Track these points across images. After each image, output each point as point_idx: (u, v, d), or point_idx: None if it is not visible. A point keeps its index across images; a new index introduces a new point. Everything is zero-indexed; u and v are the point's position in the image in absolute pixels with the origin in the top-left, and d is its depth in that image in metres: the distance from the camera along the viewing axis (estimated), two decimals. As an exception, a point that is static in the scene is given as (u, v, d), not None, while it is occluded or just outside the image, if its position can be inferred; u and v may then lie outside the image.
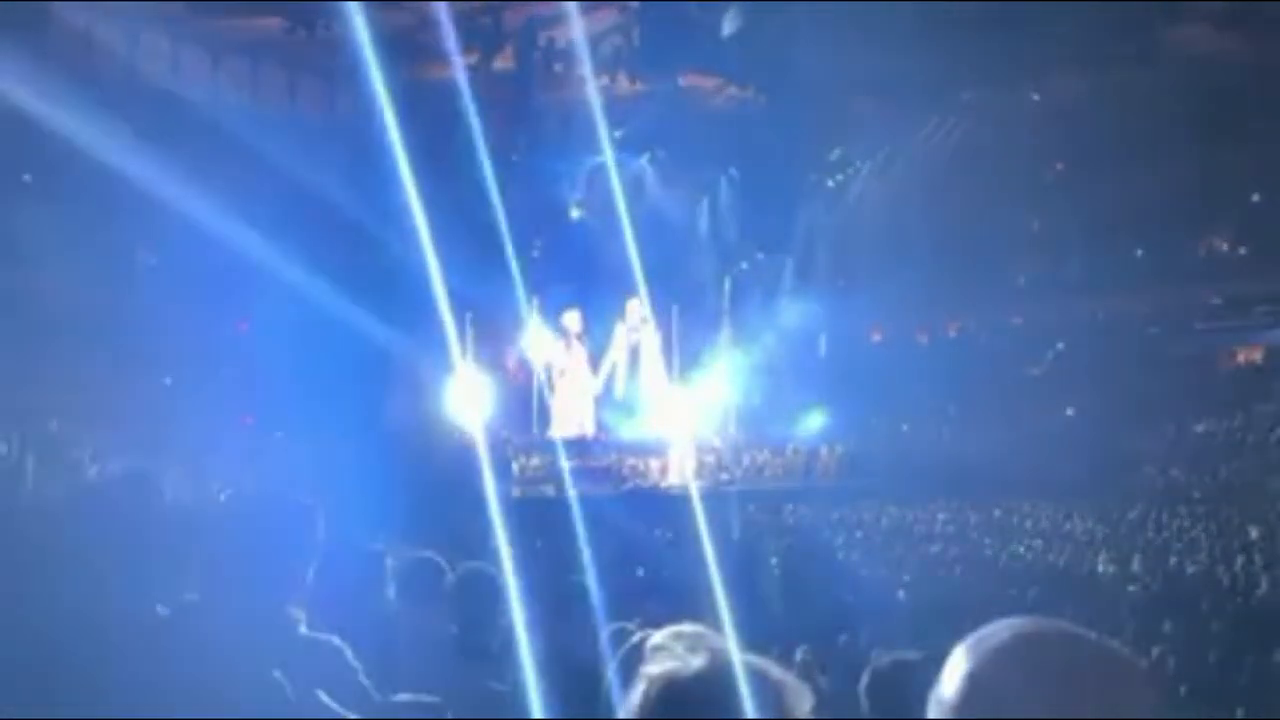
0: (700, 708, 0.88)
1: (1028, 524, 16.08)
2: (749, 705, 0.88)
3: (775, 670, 0.92)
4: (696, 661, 0.91)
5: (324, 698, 1.81)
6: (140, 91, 20.39)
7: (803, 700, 0.90)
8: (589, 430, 24.93)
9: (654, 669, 0.91)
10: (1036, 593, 9.56)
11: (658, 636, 0.97)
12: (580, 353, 26.30)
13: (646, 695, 0.90)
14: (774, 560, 12.88)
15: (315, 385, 22.10)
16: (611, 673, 1.60)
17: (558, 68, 19.93)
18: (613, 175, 25.04)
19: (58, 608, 1.88)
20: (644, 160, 24.73)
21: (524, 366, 25.83)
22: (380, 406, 22.76)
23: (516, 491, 19.61)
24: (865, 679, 2.32)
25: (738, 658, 0.92)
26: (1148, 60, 18.31)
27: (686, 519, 17.28)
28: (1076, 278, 27.44)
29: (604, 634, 2.78)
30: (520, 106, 21.18)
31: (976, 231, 27.81)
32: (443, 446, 22.33)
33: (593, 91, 21.90)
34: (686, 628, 0.98)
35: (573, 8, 19.99)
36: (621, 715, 0.92)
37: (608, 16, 20.45)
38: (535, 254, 25.17)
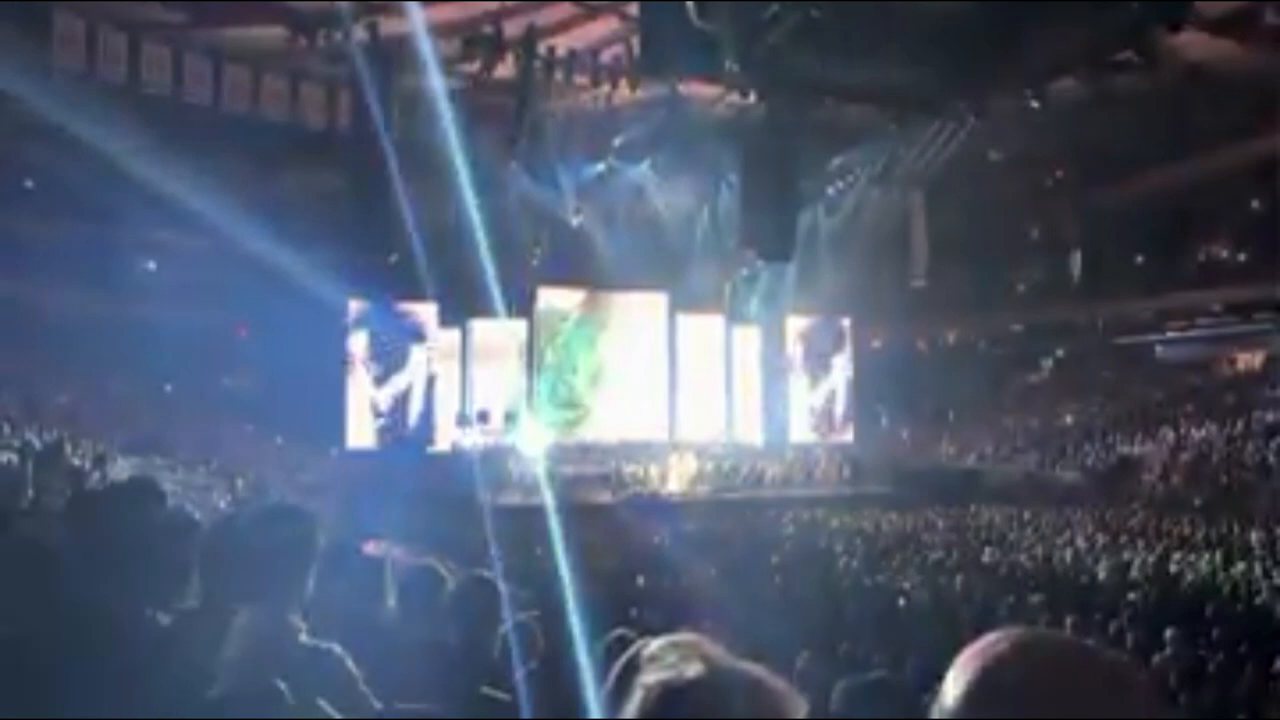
0: (696, 715, 0.88)
1: (1028, 531, 16.04)
2: (745, 712, 0.88)
3: (771, 679, 0.92)
4: (691, 670, 0.90)
5: (324, 706, 1.81)
6: (143, 100, 20.41)
7: (799, 709, 0.90)
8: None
9: (649, 678, 0.91)
10: (1037, 600, 9.53)
11: (653, 646, 0.97)
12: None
13: (643, 705, 0.90)
14: (774, 566, 12.85)
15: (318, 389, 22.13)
16: (610, 681, 1.60)
17: (558, 76, 19.95)
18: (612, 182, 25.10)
19: (58, 614, 1.88)
20: (645, 167, 24.78)
21: None
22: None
23: (516, 498, 19.60)
24: (835, 699, 2.32)
25: (733, 666, 0.92)
26: (1146, 66, 18.32)
27: (687, 526, 17.30)
28: (1076, 284, 27.44)
29: (603, 642, 2.78)
30: (520, 114, 21.21)
31: (976, 239, 27.85)
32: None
33: (593, 99, 21.94)
34: (682, 637, 0.98)
35: (573, 15, 20.05)
36: None
37: (608, 24, 20.49)
38: (535, 262, 25.22)
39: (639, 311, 27.18)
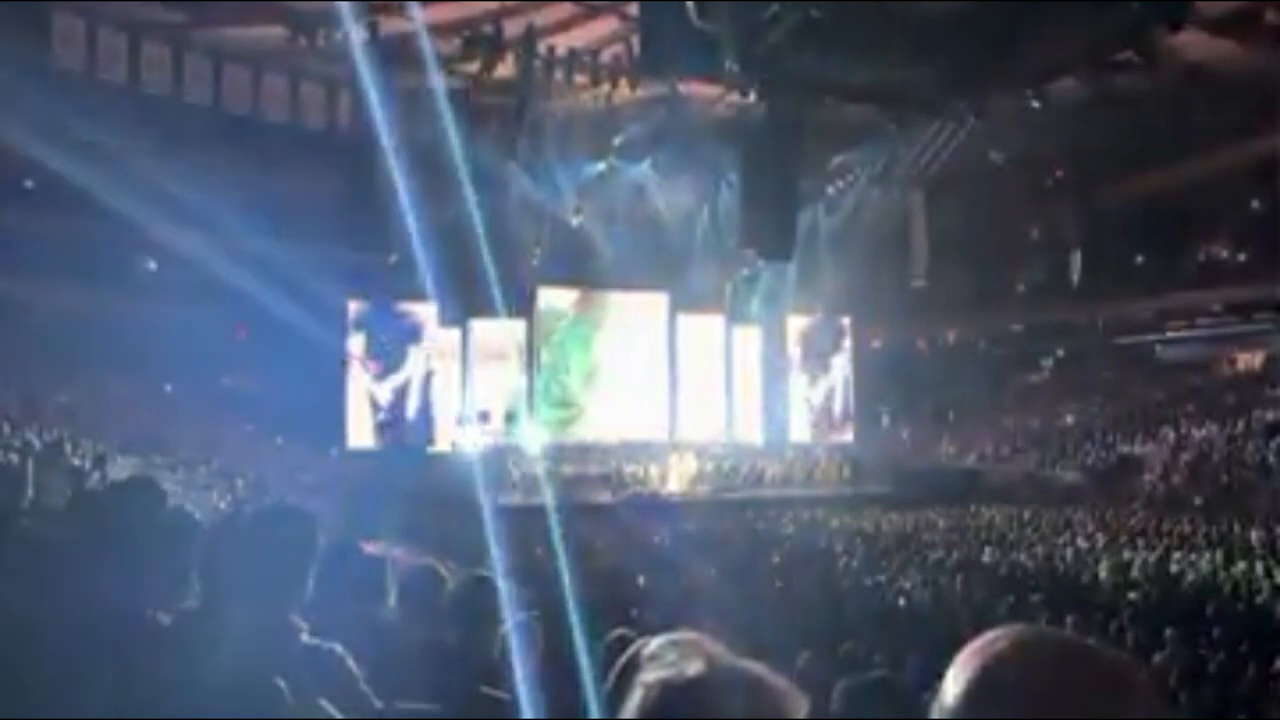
0: (697, 713, 0.88)
1: (1028, 531, 16.04)
2: (745, 710, 0.88)
3: (772, 677, 0.92)
4: (692, 669, 0.90)
5: (325, 705, 1.81)
6: (143, 100, 20.42)
7: (800, 708, 0.90)
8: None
9: (649, 677, 0.91)
10: (1037, 600, 9.54)
11: (653, 644, 0.97)
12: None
13: (643, 703, 0.90)
14: (774, 566, 12.86)
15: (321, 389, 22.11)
16: (610, 681, 1.60)
17: (558, 75, 19.95)
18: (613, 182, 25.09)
19: (59, 614, 1.88)
20: (645, 166, 24.78)
21: None
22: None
23: (516, 498, 19.60)
24: (836, 698, 2.32)
25: (734, 664, 0.92)
26: (1146, 66, 18.31)
27: (687, 525, 17.29)
28: (1076, 284, 27.43)
29: (603, 642, 2.78)
30: (521, 114, 21.23)
31: (976, 238, 27.84)
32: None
33: (593, 98, 21.96)
34: (682, 635, 0.98)
35: (573, 15, 20.04)
36: None
37: (608, 23, 20.50)
38: (535, 261, 25.23)
39: (637, 311, 27.14)
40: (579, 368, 26.27)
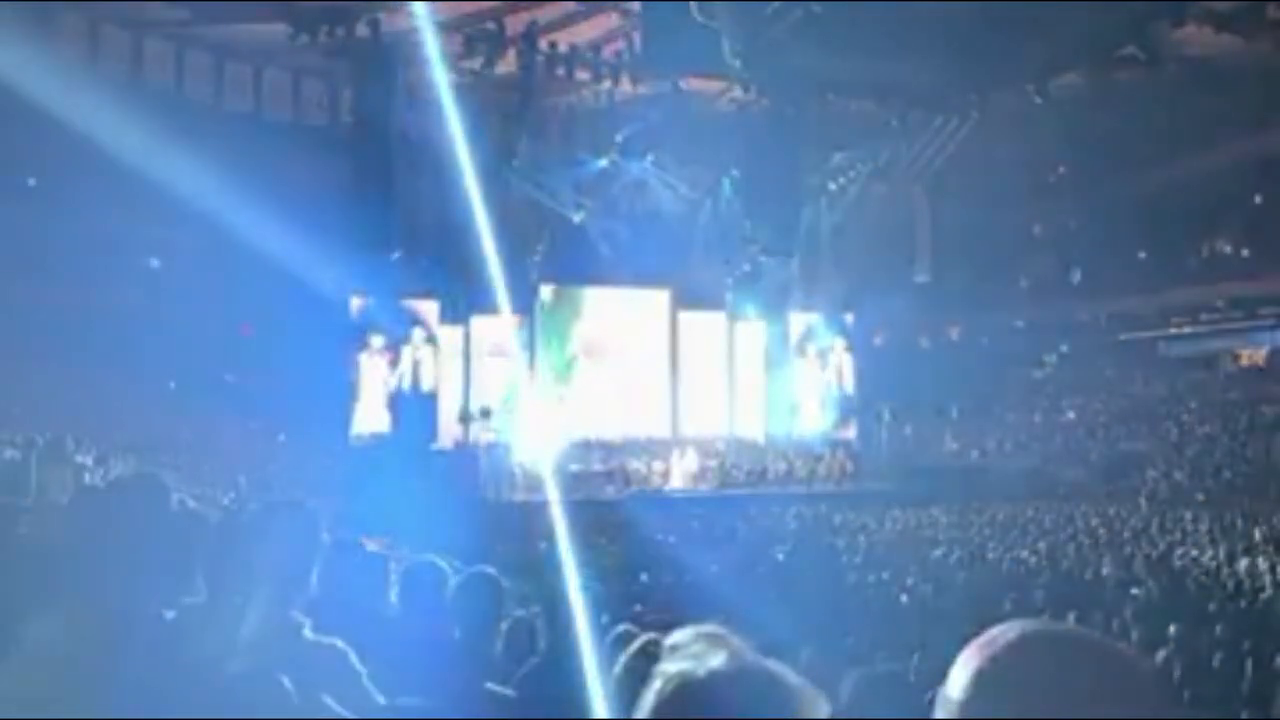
0: (714, 708, 0.88)
1: (1031, 527, 16.04)
2: (763, 708, 0.88)
3: (791, 675, 0.92)
4: (712, 661, 0.90)
5: (328, 701, 1.81)
6: (146, 96, 20.42)
7: (820, 708, 0.90)
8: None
9: (669, 668, 0.91)
10: (1041, 596, 9.53)
11: (676, 635, 0.97)
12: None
13: (661, 694, 0.90)
14: (777, 562, 12.86)
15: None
16: (615, 677, 1.60)
17: (560, 71, 19.93)
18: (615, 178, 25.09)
19: (62, 612, 1.88)
20: (647, 162, 24.76)
21: None
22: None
23: (519, 494, 19.63)
24: (843, 693, 2.32)
25: (755, 661, 0.92)
26: (1150, 62, 18.33)
27: (689, 522, 17.31)
28: (1079, 280, 27.41)
29: (606, 639, 2.78)
30: (522, 110, 21.22)
31: (979, 234, 27.81)
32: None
33: (595, 95, 21.95)
34: (705, 628, 0.98)
35: (575, 11, 20.03)
36: (635, 714, 0.92)
37: (610, 20, 20.48)
38: (537, 258, 25.21)
39: (632, 306, 26.99)
40: (552, 361, 26.11)
